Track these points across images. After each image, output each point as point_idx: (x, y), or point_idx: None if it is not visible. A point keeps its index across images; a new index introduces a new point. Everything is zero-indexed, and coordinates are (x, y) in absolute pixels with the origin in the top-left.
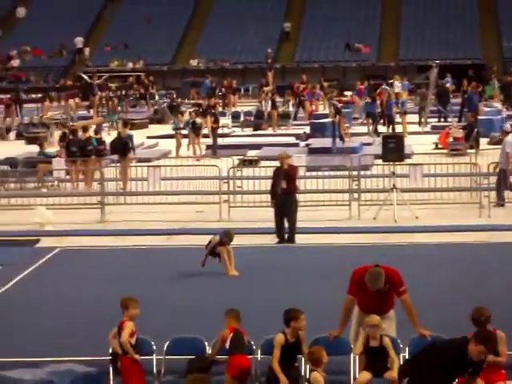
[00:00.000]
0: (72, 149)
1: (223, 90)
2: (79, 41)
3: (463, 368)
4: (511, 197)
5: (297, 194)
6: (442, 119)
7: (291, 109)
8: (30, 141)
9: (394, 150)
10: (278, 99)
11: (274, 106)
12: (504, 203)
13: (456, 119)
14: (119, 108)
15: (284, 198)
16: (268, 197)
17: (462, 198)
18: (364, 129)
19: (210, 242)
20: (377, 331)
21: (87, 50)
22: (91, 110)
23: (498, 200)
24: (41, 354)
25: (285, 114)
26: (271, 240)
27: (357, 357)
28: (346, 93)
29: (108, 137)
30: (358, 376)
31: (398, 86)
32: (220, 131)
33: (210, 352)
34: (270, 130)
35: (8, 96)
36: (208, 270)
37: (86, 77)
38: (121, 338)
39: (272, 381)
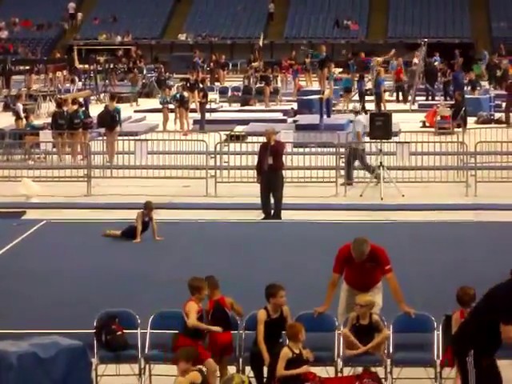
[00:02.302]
0: (59, 121)
1: (211, 64)
2: (71, 6)
3: None
4: (493, 176)
5: (283, 171)
6: (430, 97)
7: (279, 84)
8: None
9: (381, 127)
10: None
11: (266, 83)
12: (352, 182)
13: (442, 98)
14: (107, 81)
15: (270, 174)
16: (254, 172)
17: (449, 177)
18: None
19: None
20: (367, 311)
21: (80, 15)
22: (79, 83)
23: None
24: (25, 326)
25: (274, 90)
26: (257, 216)
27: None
28: (336, 69)
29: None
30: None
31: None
32: (207, 106)
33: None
34: (257, 106)
35: None
36: (193, 244)
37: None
38: (188, 322)
39: (255, 357)
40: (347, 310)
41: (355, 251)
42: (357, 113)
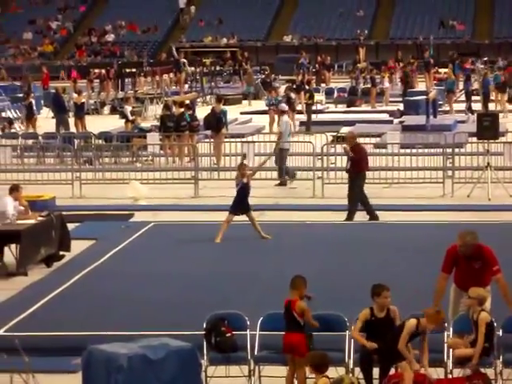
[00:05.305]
0: (168, 124)
1: (317, 66)
2: (182, 2)
3: None
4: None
5: (362, 173)
6: None
7: (386, 85)
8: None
9: (488, 127)
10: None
11: (373, 84)
12: (286, 181)
13: None
14: (213, 84)
15: (349, 176)
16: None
17: None
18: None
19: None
20: (475, 303)
21: (193, 9)
22: (186, 86)
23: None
24: (134, 328)
25: (380, 90)
26: (364, 217)
27: (451, 334)
28: (441, 70)
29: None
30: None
31: None
32: (313, 107)
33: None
34: (364, 107)
35: (103, 71)
36: (300, 245)
37: (175, 52)
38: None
39: (364, 358)
40: (457, 311)
41: (460, 241)
42: (283, 112)
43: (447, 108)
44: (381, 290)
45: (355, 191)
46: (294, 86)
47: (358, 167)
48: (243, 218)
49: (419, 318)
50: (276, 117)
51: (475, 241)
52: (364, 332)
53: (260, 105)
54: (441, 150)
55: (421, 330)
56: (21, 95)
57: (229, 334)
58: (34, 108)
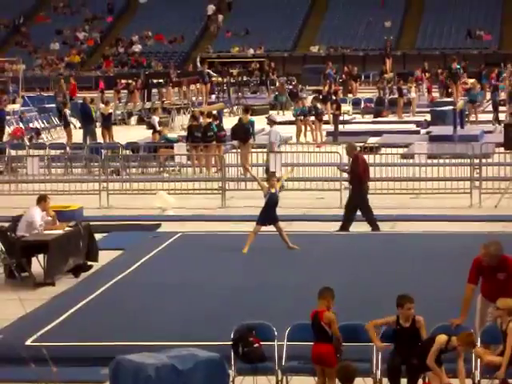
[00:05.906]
0: (196, 134)
1: (343, 76)
2: (210, 8)
3: None
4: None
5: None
6: None
7: (413, 95)
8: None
9: None
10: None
11: (400, 94)
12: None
13: None
14: (240, 94)
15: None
16: (388, 184)
17: None
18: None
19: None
20: (504, 315)
21: (221, 18)
22: (213, 96)
23: None
24: (162, 338)
25: (408, 101)
26: (391, 227)
27: (478, 344)
28: (469, 80)
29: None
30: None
31: None
32: (341, 118)
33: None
34: (391, 117)
35: (131, 81)
36: (328, 254)
37: (198, 63)
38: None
39: (392, 369)
40: (484, 322)
41: (483, 251)
42: (273, 122)
43: (472, 118)
44: (404, 301)
45: (352, 200)
46: (321, 97)
47: (356, 177)
48: (271, 228)
49: (450, 336)
50: (303, 127)
51: (499, 251)
52: (391, 341)
53: (287, 115)
54: (468, 160)
55: (450, 347)
56: (48, 106)
57: (256, 345)
58: (69, 118)
